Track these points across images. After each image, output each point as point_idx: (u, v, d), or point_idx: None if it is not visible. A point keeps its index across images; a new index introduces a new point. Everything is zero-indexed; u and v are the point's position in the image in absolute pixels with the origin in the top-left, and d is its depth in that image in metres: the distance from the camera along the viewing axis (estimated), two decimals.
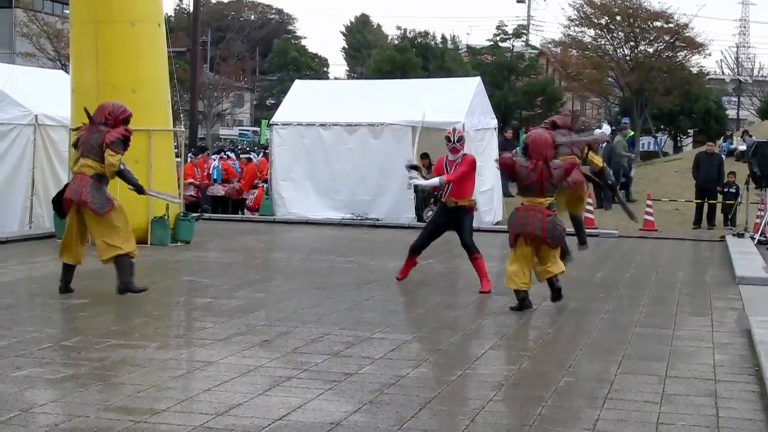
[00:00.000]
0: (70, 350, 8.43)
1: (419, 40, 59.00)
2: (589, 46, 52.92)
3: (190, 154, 27.30)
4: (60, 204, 11.68)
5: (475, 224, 13.22)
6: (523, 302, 10.92)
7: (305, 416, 6.55)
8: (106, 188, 11.39)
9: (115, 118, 11.45)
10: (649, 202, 23.24)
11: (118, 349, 8.48)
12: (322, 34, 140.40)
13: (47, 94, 19.72)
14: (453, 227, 12.64)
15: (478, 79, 24.96)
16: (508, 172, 11.39)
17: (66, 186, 11.72)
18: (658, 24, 50.30)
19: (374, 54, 61.19)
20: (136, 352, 8.36)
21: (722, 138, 36.43)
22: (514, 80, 56.06)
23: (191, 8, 35.22)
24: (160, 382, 7.39)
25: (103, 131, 11.27)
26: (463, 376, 7.79)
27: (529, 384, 7.71)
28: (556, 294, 11.20)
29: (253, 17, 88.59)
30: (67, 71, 22.89)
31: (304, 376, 7.67)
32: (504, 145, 29.02)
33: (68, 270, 11.52)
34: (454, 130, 12.69)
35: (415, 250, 12.93)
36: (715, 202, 24.20)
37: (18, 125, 19.04)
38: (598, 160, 13.87)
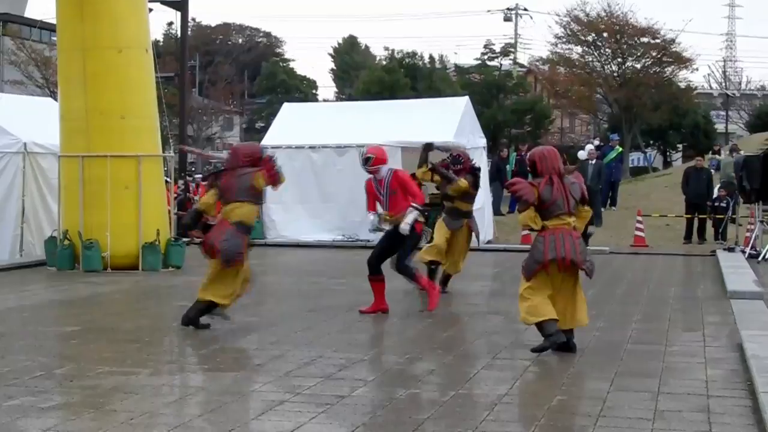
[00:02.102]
0: (63, 378, 8.41)
1: (407, 61, 59.15)
2: (577, 63, 53.09)
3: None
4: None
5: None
6: (553, 337, 9.26)
7: None
8: (245, 238, 11.08)
9: (253, 159, 11.18)
10: (640, 218, 23.28)
11: (110, 376, 8.46)
12: (310, 57, 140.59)
13: (36, 122, 19.72)
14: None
15: (466, 99, 25.03)
16: (530, 196, 9.40)
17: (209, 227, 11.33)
18: (645, 40, 50.48)
19: (362, 75, 61.32)
20: (128, 379, 8.34)
21: (710, 152, 36.52)
22: (503, 99, 56.18)
23: (179, 33, 35.26)
24: (153, 408, 7.37)
25: (250, 172, 11.05)
26: (455, 397, 7.78)
27: (521, 403, 7.73)
28: (567, 345, 9.56)
29: (241, 41, 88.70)
30: (55, 98, 22.90)
31: (297, 400, 7.66)
32: (498, 165, 29.11)
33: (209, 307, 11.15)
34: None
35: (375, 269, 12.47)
36: (705, 216, 24.25)
37: (7, 153, 19.03)
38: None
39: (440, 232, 14.07)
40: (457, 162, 14.25)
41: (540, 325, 9.30)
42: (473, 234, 14.31)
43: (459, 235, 14.11)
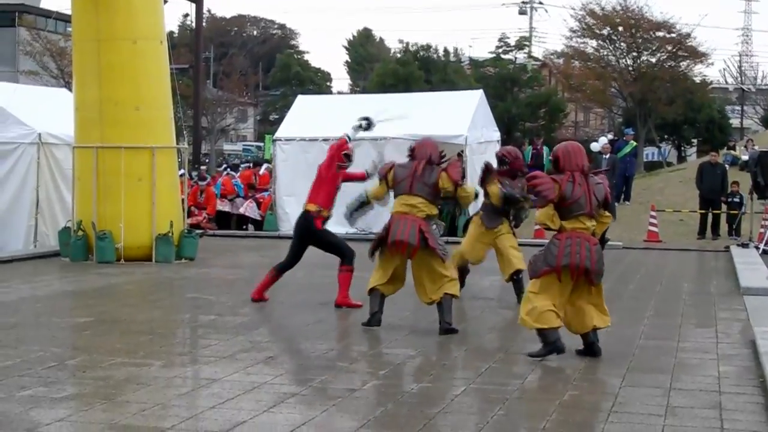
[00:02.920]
0: (75, 369, 8.45)
1: (422, 53, 59.08)
2: (592, 57, 52.99)
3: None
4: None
5: None
6: (555, 345, 8.81)
7: None
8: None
9: (439, 156, 10.74)
10: (653, 213, 23.23)
11: (122, 367, 8.49)
12: (324, 49, 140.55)
13: (50, 113, 19.76)
14: None
15: (480, 92, 25.02)
16: (550, 192, 8.80)
17: (388, 226, 10.57)
18: (660, 34, 50.35)
19: (377, 68, 61.30)
20: (140, 370, 8.37)
21: (725, 147, 36.40)
22: (517, 92, 56.07)
23: (194, 24, 35.26)
24: (165, 400, 7.40)
25: (437, 169, 10.55)
26: (467, 391, 7.79)
27: (533, 398, 7.72)
28: (589, 349, 9.15)
29: (255, 32, 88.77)
30: (70, 89, 22.96)
31: (308, 393, 7.68)
32: None
33: (382, 301, 10.85)
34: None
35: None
36: (719, 212, 24.18)
37: (21, 144, 19.06)
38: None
39: (474, 232, 12.81)
40: (503, 162, 12.62)
41: (541, 332, 8.83)
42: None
43: (502, 230, 12.71)
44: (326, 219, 12.20)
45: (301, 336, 10.18)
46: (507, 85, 55.36)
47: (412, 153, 10.84)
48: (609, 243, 20.80)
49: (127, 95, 16.83)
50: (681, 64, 51.37)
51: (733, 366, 8.89)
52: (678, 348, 9.73)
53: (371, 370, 8.52)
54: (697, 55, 50.81)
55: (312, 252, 12.78)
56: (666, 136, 59.29)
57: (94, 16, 16.85)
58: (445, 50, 63.18)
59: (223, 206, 25.67)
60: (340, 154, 12.24)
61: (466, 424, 6.84)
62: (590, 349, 9.11)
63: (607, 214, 9.21)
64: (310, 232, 12.16)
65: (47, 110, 20.02)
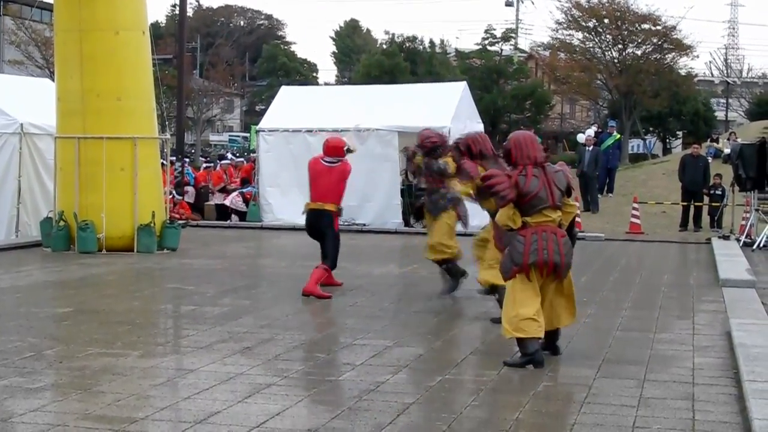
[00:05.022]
0: (52, 359, 8.45)
1: (407, 45, 59.10)
2: (578, 49, 53.07)
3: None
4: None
5: (460, 229, 13.08)
6: (533, 356, 8.36)
7: (283, 423, 6.58)
8: None
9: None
10: (636, 205, 23.30)
11: (99, 357, 8.50)
12: (311, 40, 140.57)
13: (33, 103, 19.72)
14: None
15: (463, 84, 25.07)
16: (508, 192, 8.31)
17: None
18: (645, 26, 50.44)
19: (363, 59, 61.29)
20: (117, 361, 8.38)
21: (708, 139, 36.51)
22: (503, 84, 56.17)
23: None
24: (141, 390, 7.41)
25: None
26: (442, 382, 7.82)
27: (507, 389, 7.76)
28: (551, 347, 8.83)
29: (242, 23, 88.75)
30: (53, 79, 22.92)
31: (283, 383, 7.70)
32: None
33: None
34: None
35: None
36: (701, 204, 24.28)
37: (3, 134, 19.03)
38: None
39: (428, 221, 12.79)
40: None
41: (521, 342, 8.40)
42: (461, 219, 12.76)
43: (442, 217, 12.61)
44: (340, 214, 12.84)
45: (279, 326, 10.19)
46: (493, 76, 55.47)
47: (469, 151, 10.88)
48: (590, 234, 20.87)
49: (109, 86, 16.79)
50: (666, 56, 51.50)
51: (709, 357, 8.94)
52: (654, 339, 9.78)
53: (348, 360, 8.55)
54: (683, 48, 50.94)
55: (295, 243, 12.79)
56: (651, 129, 59.51)
57: (76, 6, 16.79)
58: (431, 42, 63.26)
59: (216, 199, 25.76)
60: (342, 149, 13.24)
61: (440, 414, 6.87)
62: (551, 346, 8.79)
63: (572, 202, 8.87)
64: (328, 229, 12.66)
65: (29, 100, 19.98)
